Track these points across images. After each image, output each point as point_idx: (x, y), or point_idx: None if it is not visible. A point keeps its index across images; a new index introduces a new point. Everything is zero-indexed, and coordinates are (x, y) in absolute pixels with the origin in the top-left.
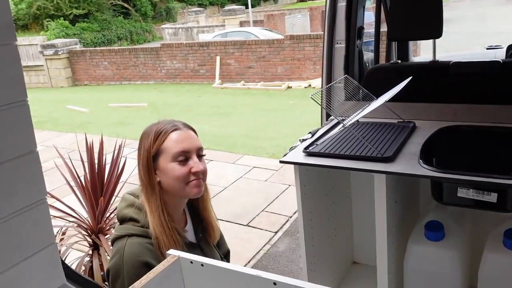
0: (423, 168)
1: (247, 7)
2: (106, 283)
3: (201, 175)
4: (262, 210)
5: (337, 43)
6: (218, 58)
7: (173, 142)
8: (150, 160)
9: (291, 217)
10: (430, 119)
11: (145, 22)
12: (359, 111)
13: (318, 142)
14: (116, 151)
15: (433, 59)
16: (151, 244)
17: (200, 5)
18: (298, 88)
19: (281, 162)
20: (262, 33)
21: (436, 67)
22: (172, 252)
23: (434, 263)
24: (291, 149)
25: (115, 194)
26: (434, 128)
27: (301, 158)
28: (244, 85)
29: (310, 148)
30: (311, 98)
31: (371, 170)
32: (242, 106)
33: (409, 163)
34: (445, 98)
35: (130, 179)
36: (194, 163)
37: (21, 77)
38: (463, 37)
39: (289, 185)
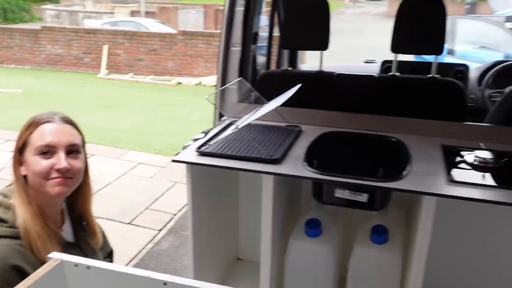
0: (306, 170)
1: None
2: None
3: (69, 173)
4: (146, 208)
5: (233, 46)
6: (105, 47)
7: (40, 135)
8: (16, 151)
9: (176, 214)
10: (314, 124)
11: (22, 0)
12: (251, 113)
13: (211, 142)
14: None
15: (319, 69)
16: (21, 245)
17: None
18: (189, 84)
19: (173, 161)
20: (154, 26)
21: (321, 77)
22: (54, 255)
23: (312, 257)
24: (184, 148)
25: None
26: (318, 133)
27: (194, 157)
28: (132, 77)
29: (203, 148)
30: (206, 99)
31: (261, 171)
32: (129, 99)
33: (295, 165)
34: (328, 106)
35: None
36: (58, 160)
37: None
38: (344, 49)
39: (176, 182)
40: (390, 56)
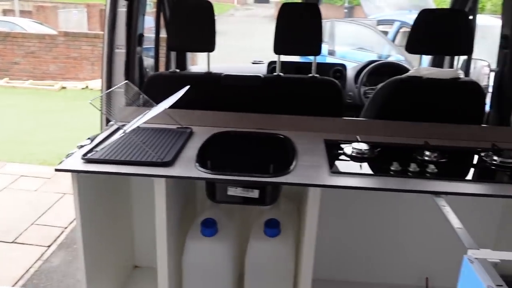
0: (198, 170)
1: None
2: None
3: None
4: (32, 224)
5: (117, 48)
6: None
7: None
8: None
9: (66, 227)
10: (205, 125)
11: None
12: (140, 117)
13: (98, 149)
14: None
15: (207, 70)
16: None
17: None
18: (74, 89)
19: (56, 170)
20: (31, 26)
21: (210, 78)
22: None
23: (209, 257)
24: (68, 156)
25: None
26: (209, 133)
27: (80, 165)
28: (8, 82)
29: (89, 155)
30: (91, 104)
31: (151, 175)
32: (5, 106)
33: (187, 166)
34: (218, 106)
35: None
36: None
37: None
38: (234, 50)
39: (64, 194)
40: (276, 57)
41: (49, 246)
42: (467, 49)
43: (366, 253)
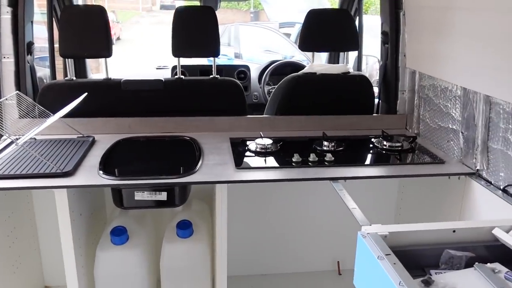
0: (102, 178)
1: None
2: None
3: None
4: None
5: (4, 57)
6: None
7: None
8: None
9: None
10: (109, 132)
11: None
12: (35, 128)
13: None
14: None
15: (106, 76)
16: None
17: None
18: None
19: None
20: None
21: (109, 84)
22: None
23: (122, 266)
24: None
25: None
26: (113, 140)
27: None
28: None
29: None
30: None
31: (51, 187)
32: None
33: (90, 175)
34: (121, 113)
35: None
36: None
37: None
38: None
39: None
40: (184, 61)
41: None
42: (354, 45)
43: (279, 244)
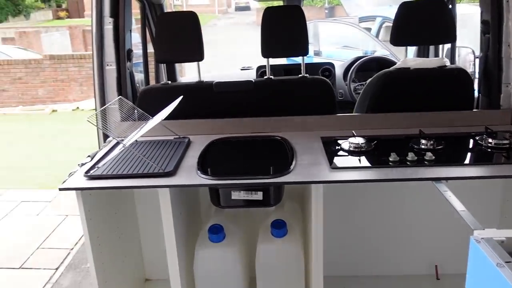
0: (200, 178)
1: None
2: None
3: None
4: (38, 248)
5: (108, 65)
6: None
7: None
8: None
9: (72, 249)
10: (202, 133)
11: None
12: (137, 130)
13: (99, 165)
14: None
15: (198, 79)
16: None
17: None
18: (65, 111)
19: (60, 189)
20: (15, 52)
21: (202, 87)
22: None
23: (220, 263)
24: (70, 174)
25: None
26: (206, 141)
27: (83, 182)
28: None
29: (91, 172)
30: (88, 121)
31: (155, 186)
32: None
33: (189, 175)
34: (212, 114)
35: None
36: None
37: None
38: (220, 59)
39: (66, 215)
40: (264, 61)
41: (57, 269)
42: (450, 37)
43: (374, 246)
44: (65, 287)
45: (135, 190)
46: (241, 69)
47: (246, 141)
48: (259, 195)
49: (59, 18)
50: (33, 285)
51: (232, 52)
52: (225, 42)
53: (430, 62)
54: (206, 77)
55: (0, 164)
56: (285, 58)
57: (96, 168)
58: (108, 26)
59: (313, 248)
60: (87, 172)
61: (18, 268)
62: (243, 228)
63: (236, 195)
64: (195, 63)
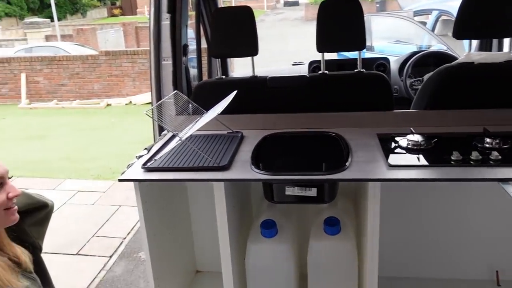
0: (255, 172)
1: (52, 20)
2: None
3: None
4: (93, 236)
5: (164, 60)
6: (23, 75)
7: None
8: None
9: (125, 238)
10: (255, 128)
11: None
12: (192, 124)
13: (156, 157)
14: None
15: (252, 74)
16: None
17: None
18: (119, 105)
19: (120, 180)
20: (73, 49)
21: (256, 81)
22: None
23: (271, 258)
24: (129, 166)
25: None
26: (259, 136)
27: (141, 174)
28: (57, 104)
29: (148, 164)
30: (146, 114)
31: (211, 179)
32: (57, 127)
33: (243, 169)
34: (265, 109)
35: None
36: (10, 188)
37: None
38: (270, 54)
39: (119, 206)
40: (314, 57)
41: (110, 256)
42: None
43: (431, 248)
44: (118, 274)
45: (187, 183)
46: (293, 64)
47: (299, 137)
48: (313, 192)
49: (113, 15)
50: (88, 271)
51: (280, 48)
52: (273, 37)
53: (496, 56)
54: (259, 72)
55: (58, 155)
56: (335, 53)
57: (153, 161)
58: (165, 22)
59: (368, 247)
60: (144, 164)
61: (75, 254)
62: (295, 224)
63: (290, 191)
64: (243, 59)
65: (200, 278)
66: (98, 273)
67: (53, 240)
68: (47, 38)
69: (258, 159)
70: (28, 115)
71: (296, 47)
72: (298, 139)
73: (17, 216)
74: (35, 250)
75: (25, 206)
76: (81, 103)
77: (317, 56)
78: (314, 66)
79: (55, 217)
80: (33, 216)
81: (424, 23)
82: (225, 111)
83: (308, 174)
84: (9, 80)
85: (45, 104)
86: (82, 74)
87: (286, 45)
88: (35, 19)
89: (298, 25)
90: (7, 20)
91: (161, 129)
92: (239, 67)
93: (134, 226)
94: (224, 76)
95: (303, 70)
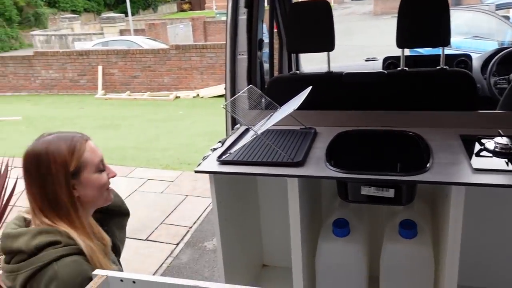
0: (330, 170)
1: (126, 15)
2: None
3: None
4: (161, 223)
5: (239, 54)
6: (100, 67)
7: (91, 153)
8: (68, 177)
9: (191, 227)
10: (329, 125)
11: (10, 28)
12: (267, 118)
13: (231, 151)
14: (1, 172)
15: (328, 70)
16: (87, 260)
17: (73, 11)
18: (187, 98)
19: (196, 172)
20: (145, 42)
21: (331, 77)
22: (99, 272)
23: (342, 258)
24: (204, 158)
25: (2, 220)
26: (333, 133)
27: (216, 167)
28: (129, 95)
29: (223, 157)
30: (223, 107)
31: (286, 175)
32: (129, 117)
33: (317, 166)
34: (340, 106)
35: (19, 202)
36: (108, 169)
37: None
38: (339, 50)
39: (187, 196)
40: (384, 53)
41: (177, 244)
42: None
43: (509, 257)
44: (184, 262)
45: (258, 177)
46: (366, 60)
47: (375, 135)
48: (390, 193)
49: (182, 10)
50: (156, 257)
51: (347, 44)
52: (341, 33)
53: None
54: (332, 68)
55: (129, 144)
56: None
57: (228, 154)
58: (243, 17)
59: (447, 254)
60: (219, 157)
61: (144, 240)
62: (368, 225)
63: (365, 191)
64: (309, 55)
65: (266, 272)
66: (165, 259)
67: None
68: (122, 32)
69: (332, 156)
70: (104, 105)
71: (364, 43)
72: (374, 137)
73: (112, 196)
74: (116, 253)
75: (117, 207)
76: (151, 95)
77: (388, 52)
78: (389, 62)
79: (128, 202)
80: (120, 219)
81: (508, 18)
82: (298, 107)
83: (386, 174)
84: (87, 72)
85: (119, 95)
86: (153, 67)
87: (354, 41)
88: (111, 14)
89: (366, 20)
90: (86, 15)
91: (233, 123)
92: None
93: (200, 216)
94: (298, 72)
95: (377, 66)
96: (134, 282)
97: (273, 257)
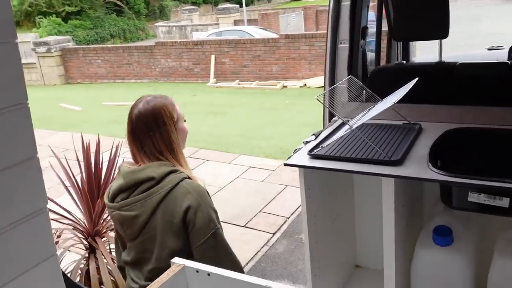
0: (432, 172)
1: (241, 6)
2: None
3: None
4: (260, 211)
5: (341, 43)
6: (212, 56)
7: (179, 108)
8: (175, 126)
9: (288, 218)
10: (436, 121)
11: (138, 20)
12: (364, 112)
13: (323, 145)
14: (113, 151)
15: (439, 59)
16: None
17: (193, 3)
18: (294, 87)
19: (285, 165)
20: (257, 32)
21: (442, 68)
22: (176, 260)
23: (442, 269)
24: (295, 151)
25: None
26: (441, 130)
27: (306, 161)
28: (239, 84)
29: (315, 151)
30: (317, 99)
31: (380, 174)
32: (237, 105)
33: (418, 166)
34: (451, 100)
35: None
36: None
37: (21, 78)
38: (460, 37)
39: (286, 186)
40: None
41: (274, 234)
42: None
43: None
44: (280, 252)
45: (353, 175)
46: (488, 49)
47: (491, 134)
48: (504, 202)
49: None
50: (253, 244)
51: (472, 31)
52: (463, 19)
53: None
54: (446, 57)
55: (235, 131)
56: None
57: (320, 148)
58: (346, 3)
59: None
60: (311, 150)
61: (243, 226)
62: (476, 236)
63: (473, 198)
64: (425, 44)
65: (359, 273)
66: (262, 247)
67: (225, 210)
68: (235, 22)
69: (437, 156)
70: (214, 93)
71: (491, 30)
72: (489, 137)
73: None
74: None
75: None
76: (259, 84)
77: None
78: None
79: (228, 188)
80: None
81: None
82: (402, 100)
83: (500, 181)
84: (201, 61)
85: (229, 84)
86: (262, 57)
87: (479, 28)
88: (227, 5)
89: (497, 5)
90: (204, 7)
91: (331, 115)
92: (421, 52)
93: (298, 207)
94: (404, 61)
95: (502, 56)
96: (208, 274)
97: (367, 258)
